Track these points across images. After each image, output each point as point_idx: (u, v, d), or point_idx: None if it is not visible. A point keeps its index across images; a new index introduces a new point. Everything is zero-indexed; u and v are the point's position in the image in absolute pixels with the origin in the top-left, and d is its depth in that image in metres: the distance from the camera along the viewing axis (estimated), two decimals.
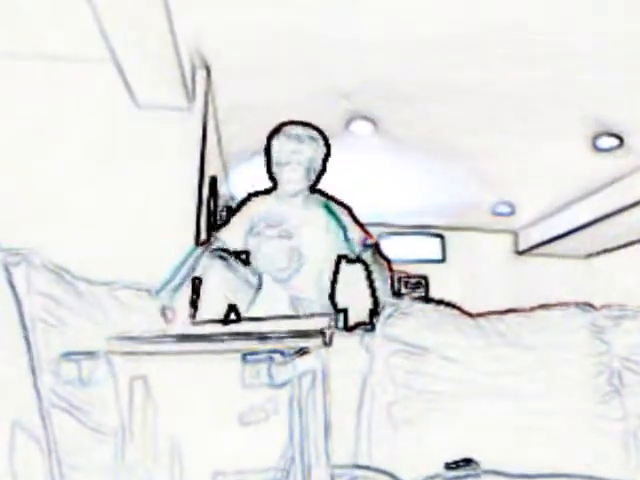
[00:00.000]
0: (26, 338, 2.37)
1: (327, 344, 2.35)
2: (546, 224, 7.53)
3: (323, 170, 3.43)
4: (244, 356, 2.19)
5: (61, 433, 2.36)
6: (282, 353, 2.21)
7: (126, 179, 3.90)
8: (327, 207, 3.43)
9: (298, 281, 3.29)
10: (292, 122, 3.36)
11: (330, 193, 3.47)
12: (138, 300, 2.65)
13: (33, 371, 2.34)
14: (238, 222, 3.41)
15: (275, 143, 3.35)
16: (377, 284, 3.30)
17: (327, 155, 3.41)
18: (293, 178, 3.34)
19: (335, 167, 6.29)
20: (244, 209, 3.44)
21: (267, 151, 3.36)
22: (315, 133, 3.37)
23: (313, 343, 2.28)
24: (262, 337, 2.29)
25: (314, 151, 3.35)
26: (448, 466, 2.59)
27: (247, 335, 2.38)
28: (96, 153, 3.93)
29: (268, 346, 2.23)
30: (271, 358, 2.19)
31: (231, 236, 3.39)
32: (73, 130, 3.93)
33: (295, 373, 2.25)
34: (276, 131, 3.37)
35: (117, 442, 2.39)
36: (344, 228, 3.41)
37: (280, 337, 2.26)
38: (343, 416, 2.55)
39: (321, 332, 2.32)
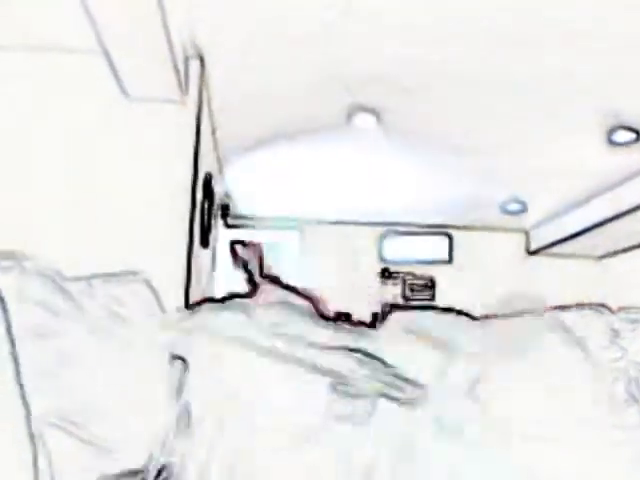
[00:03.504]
0: (12, 349, 2.32)
1: None
2: (558, 223, 7.50)
3: None
4: None
5: (54, 450, 2.31)
6: None
7: (116, 175, 3.88)
8: None
9: None
10: None
11: None
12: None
13: (19, 384, 2.30)
14: None
15: None
16: None
17: None
18: None
19: (337, 162, 6.30)
20: None
21: None
22: None
23: None
24: None
25: None
26: None
27: None
28: (85, 147, 3.91)
29: None
30: None
31: None
32: (61, 124, 3.91)
33: None
34: None
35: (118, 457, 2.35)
36: None
37: None
38: None
39: None
